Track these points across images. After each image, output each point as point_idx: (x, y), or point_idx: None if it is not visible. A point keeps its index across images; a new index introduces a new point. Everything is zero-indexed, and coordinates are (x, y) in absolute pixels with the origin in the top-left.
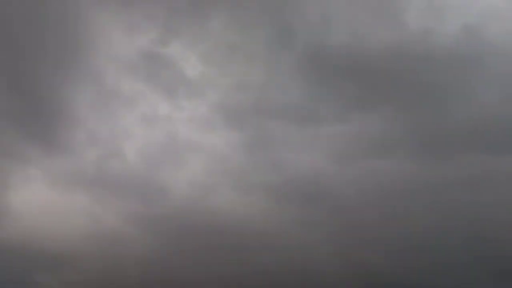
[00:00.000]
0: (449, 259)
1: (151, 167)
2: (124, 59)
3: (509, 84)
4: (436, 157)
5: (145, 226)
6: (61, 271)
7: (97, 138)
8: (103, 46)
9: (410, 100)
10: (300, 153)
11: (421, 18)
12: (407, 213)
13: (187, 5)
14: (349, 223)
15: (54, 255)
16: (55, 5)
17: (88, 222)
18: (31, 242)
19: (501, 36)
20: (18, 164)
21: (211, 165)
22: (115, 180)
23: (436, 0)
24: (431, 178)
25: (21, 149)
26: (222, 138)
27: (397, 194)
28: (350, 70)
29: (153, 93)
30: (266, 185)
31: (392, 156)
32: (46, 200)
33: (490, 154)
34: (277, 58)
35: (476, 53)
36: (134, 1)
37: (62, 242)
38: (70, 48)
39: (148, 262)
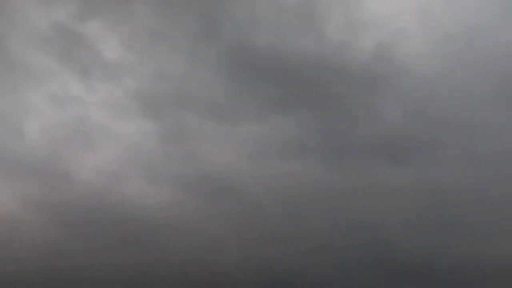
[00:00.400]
0: (347, 260)
1: (55, 149)
2: (36, 31)
3: (412, 104)
4: (343, 164)
5: (44, 212)
6: None
7: None
8: (14, 14)
9: (325, 109)
10: (214, 148)
11: (339, 32)
12: (311, 215)
13: None
14: (256, 220)
15: None
16: None
17: None
18: None
19: (409, 57)
20: None
21: (121, 152)
22: (11, 160)
23: (355, 16)
24: (336, 184)
25: None
26: (136, 126)
27: (303, 196)
28: (272, 72)
29: (65, 71)
30: (177, 176)
31: (303, 160)
32: None
33: (389, 165)
34: (200, 51)
35: (386, 71)
36: None
37: None
38: None
39: (46, 249)
